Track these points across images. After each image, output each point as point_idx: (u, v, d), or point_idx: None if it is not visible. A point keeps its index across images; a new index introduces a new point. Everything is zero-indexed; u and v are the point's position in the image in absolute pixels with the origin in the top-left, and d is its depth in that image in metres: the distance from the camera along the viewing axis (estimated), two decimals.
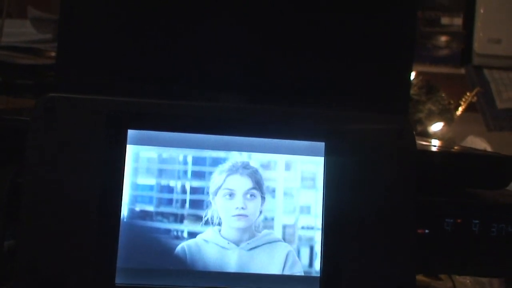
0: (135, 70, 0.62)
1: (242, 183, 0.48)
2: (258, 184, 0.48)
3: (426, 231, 0.53)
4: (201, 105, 0.48)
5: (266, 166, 0.48)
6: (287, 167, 0.48)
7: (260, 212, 0.48)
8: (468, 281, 0.82)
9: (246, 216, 0.48)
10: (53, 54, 1.07)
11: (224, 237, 0.47)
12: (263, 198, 0.48)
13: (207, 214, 0.47)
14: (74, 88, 0.60)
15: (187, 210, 0.47)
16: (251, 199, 0.48)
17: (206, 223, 0.47)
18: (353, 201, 0.48)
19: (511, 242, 0.54)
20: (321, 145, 0.48)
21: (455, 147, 0.73)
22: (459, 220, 0.53)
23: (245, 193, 0.48)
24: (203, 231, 0.47)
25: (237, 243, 0.47)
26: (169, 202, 0.47)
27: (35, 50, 1.10)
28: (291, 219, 0.48)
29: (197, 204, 0.47)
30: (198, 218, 0.47)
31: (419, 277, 0.85)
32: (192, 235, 0.47)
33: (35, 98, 0.48)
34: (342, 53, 0.62)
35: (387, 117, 0.49)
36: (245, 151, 0.48)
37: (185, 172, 0.47)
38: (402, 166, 0.48)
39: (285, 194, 0.48)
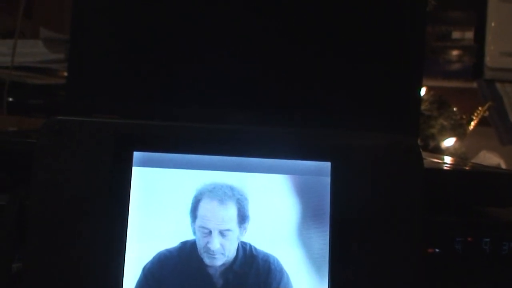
0: (144, 91, 0.62)
1: None
2: None
3: (436, 250, 0.53)
4: (206, 126, 0.48)
5: (270, 186, 0.48)
6: (293, 187, 0.48)
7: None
8: None
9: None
10: (64, 74, 1.08)
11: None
12: None
13: None
14: (84, 108, 0.61)
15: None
16: None
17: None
18: (360, 221, 0.47)
19: None
20: (327, 165, 0.48)
21: (465, 165, 0.72)
22: (469, 239, 0.53)
23: None
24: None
25: None
26: (177, 223, 0.47)
27: (47, 70, 1.11)
28: None
29: None
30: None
31: None
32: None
33: (47, 118, 0.49)
34: (350, 69, 0.62)
35: (394, 137, 0.49)
36: (251, 171, 0.47)
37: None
38: (410, 185, 0.48)
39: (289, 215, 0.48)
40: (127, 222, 0.46)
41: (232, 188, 0.47)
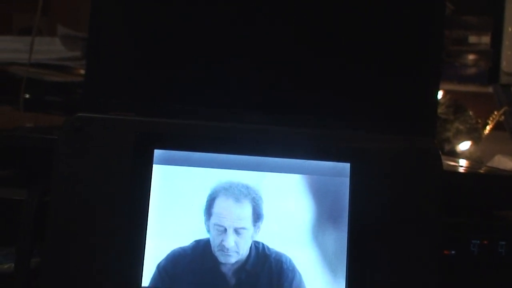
0: (162, 89, 0.62)
1: None
2: None
3: (452, 252, 0.53)
4: (226, 125, 0.48)
5: (286, 186, 0.48)
6: (309, 187, 0.48)
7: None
8: None
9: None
10: (81, 71, 1.09)
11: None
12: None
13: None
14: (101, 106, 0.61)
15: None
16: None
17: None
18: (379, 222, 0.47)
19: None
20: (346, 165, 0.48)
21: (481, 169, 0.72)
22: (485, 242, 0.53)
23: None
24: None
25: None
26: (192, 221, 0.47)
27: (64, 67, 1.11)
28: None
29: None
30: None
31: None
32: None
33: (64, 115, 0.49)
34: (368, 72, 0.62)
35: (413, 139, 0.49)
36: (269, 171, 0.48)
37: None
38: (428, 187, 0.48)
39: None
40: (147, 219, 0.46)
41: (247, 187, 0.47)
